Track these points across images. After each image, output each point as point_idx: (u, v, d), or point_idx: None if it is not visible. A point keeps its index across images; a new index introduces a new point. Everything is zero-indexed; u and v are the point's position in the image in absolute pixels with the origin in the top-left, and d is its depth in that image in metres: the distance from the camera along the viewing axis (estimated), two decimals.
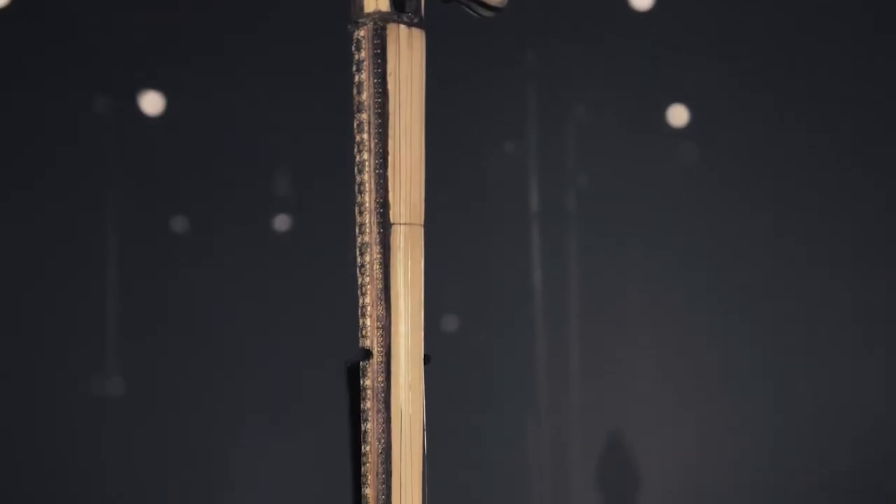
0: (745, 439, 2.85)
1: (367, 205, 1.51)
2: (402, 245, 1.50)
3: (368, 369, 1.51)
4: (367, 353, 1.51)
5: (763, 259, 2.89)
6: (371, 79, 1.50)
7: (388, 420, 1.50)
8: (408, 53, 1.51)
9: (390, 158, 1.50)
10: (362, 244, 1.51)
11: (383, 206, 1.50)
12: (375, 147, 1.50)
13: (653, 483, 2.81)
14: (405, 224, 1.51)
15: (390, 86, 1.50)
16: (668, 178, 2.90)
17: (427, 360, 1.52)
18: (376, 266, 1.51)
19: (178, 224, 2.75)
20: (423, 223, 1.52)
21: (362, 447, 1.51)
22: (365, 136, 1.51)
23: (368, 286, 1.51)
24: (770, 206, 2.89)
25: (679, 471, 2.84)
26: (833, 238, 2.88)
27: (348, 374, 1.53)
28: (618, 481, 2.80)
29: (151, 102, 2.75)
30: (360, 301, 1.52)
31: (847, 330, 2.88)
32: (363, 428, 1.51)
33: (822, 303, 2.88)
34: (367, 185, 1.51)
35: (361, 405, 1.51)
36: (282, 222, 2.80)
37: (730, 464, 2.84)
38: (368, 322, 1.52)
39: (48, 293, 2.65)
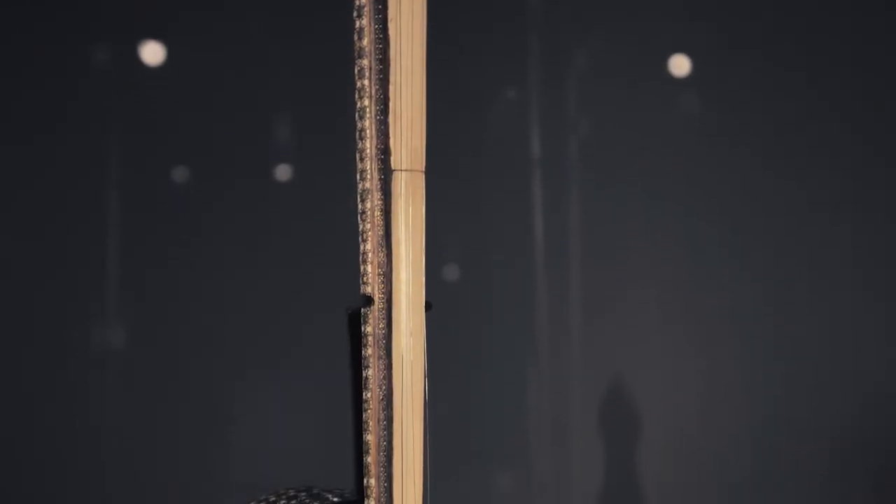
0: (747, 385, 2.85)
1: (368, 151, 1.51)
2: (403, 192, 1.50)
3: (369, 316, 1.51)
4: (369, 300, 1.51)
5: (765, 205, 2.88)
6: (372, 24, 1.49)
7: (389, 367, 1.50)
8: None
9: (391, 105, 1.49)
10: (363, 191, 1.51)
11: (384, 152, 1.50)
12: (376, 93, 1.50)
13: (654, 427, 2.82)
14: (406, 171, 1.51)
15: (391, 32, 1.49)
16: (670, 126, 2.89)
17: (428, 306, 1.52)
18: (377, 213, 1.51)
19: (179, 174, 2.75)
20: (423, 170, 1.52)
21: (363, 394, 1.51)
22: (366, 82, 1.50)
23: (369, 233, 1.51)
24: (772, 152, 2.89)
25: (681, 416, 2.85)
26: (836, 182, 2.87)
27: (349, 321, 1.53)
28: (619, 426, 2.81)
29: (151, 52, 2.74)
30: (361, 248, 1.52)
31: (851, 274, 2.88)
32: (364, 375, 1.51)
33: (825, 247, 2.88)
34: (367, 131, 1.50)
35: (362, 352, 1.52)
36: (283, 172, 2.79)
37: (732, 409, 2.85)
38: (369, 269, 1.52)
39: (48, 245, 2.65)
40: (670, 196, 2.88)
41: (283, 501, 1.56)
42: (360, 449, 1.52)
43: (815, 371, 2.85)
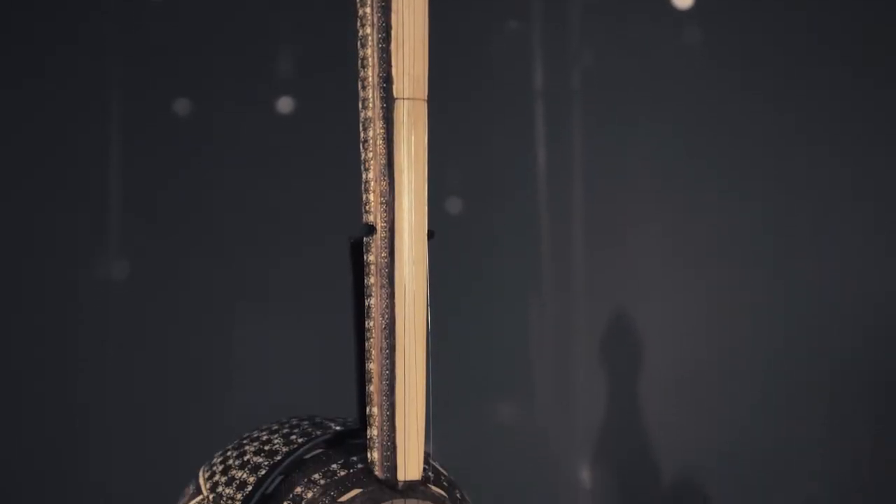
0: (749, 317, 2.86)
1: (370, 80, 1.50)
2: (405, 120, 1.50)
3: (372, 245, 1.51)
4: (371, 229, 1.51)
5: (767, 136, 2.88)
6: None
7: (391, 296, 1.50)
8: None
9: (393, 33, 1.49)
10: (365, 119, 1.51)
11: (386, 80, 1.50)
12: (378, 21, 1.49)
13: (656, 360, 2.82)
14: (408, 99, 1.50)
15: None
16: (673, 58, 2.88)
17: (431, 235, 1.52)
18: (379, 141, 1.50)
19: (181, 107, 2.74)
20: (426, 98, 1.51)
21: (366, 323, 1.52)
22: (367, 10, 1.49)
23: (371, 161, 1.51)
24: (774, 84, 2.87)
25: (683, 349, 2.85)
26: (839, 112, 2.86)
27: (352, 250, 1.53)
28: (620, 358, 2.82)
29: None
30: (364, 177, 1.51)
31: (852, 205, 2.88)
32: (367, 304, 1.51)
33: (827, 177, 2.87)
34: (369, 59, 1.49)
35: (365, 281, 1.52)
36: (285, 104, 2.79)
37: (733, 341, 2.85)
38: (372, 198, 1.51)
39: (49, 177, 2.65)
40: (672, 128, 2.87)
41: (285, 430, 1.57)
42: (362, 378, 1.52)
43: (817, 302, 2.85)
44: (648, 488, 2.82)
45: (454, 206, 2.82)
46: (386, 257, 1.51)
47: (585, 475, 2.83)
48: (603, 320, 2.82)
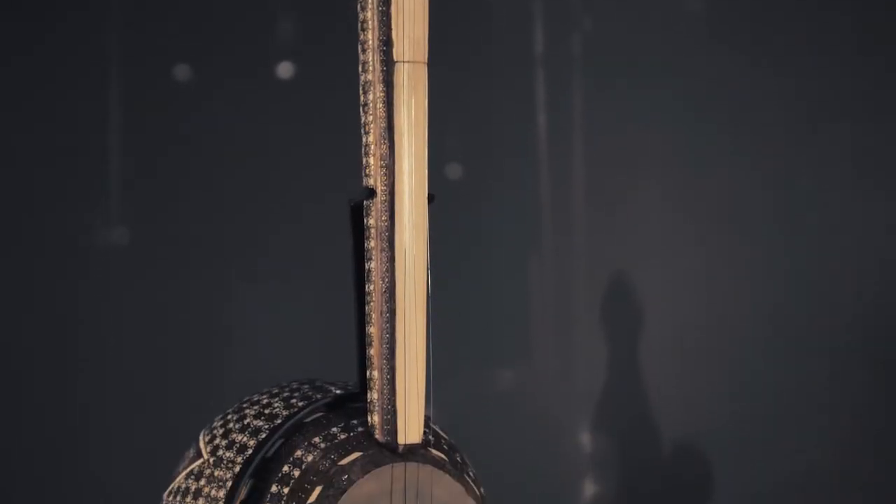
0: (751, 284, 2.86)
1: (370, 43, 1.50)
2: (405, 83, 1.49)
3: (372, 208, 1.51)
4: (371, 192, 1.50)
5: (768, 102, 2.87)
6: None
7: (391, 259, 1.50)
8: None
9: None
10: (365, 82, 1.50)
11: (386, 43, 1.49)
12: None
13: (656, 325, 2.82)
14: (408, 62, 1.49)
15: None
16: (675, 23, 2.87)
17: (431, 198, 1.52)
18: (379, 104, 1.50)
19: (181, 72, 2.73)
20: (426, 61, 1.51)
21: (366, 286, 1.52)
22: None
23: (372, 125, 1.50)
24: (775, 50, 2.87)
25: (683, 312, 2.85)
26: (845, 81, 2.86)
27: (352, 214, 1.53)
28: (621, 322, 2.82)
29: None
30: (364, 140, 1.51)
31: (852, 172, 2.87)
32: (367, 267, 1.51)
33: (828, 143, 2.87)
34: (369, 22, 1.49)
35: (365, 244, 1.52)
36: (285, 69, 2.78)
37: (734, 305, 2.85)
38: (372, 161, 1.51)
39: (49, 143, 2.64)
40: (673, 93, 2.86)
41: (285, 393, 1.57)
42: (362, 341, 1.52)
43: (818, 267, 2.85)
44: (648, 453, 2.82)
45: (454, 171, 2.81)
46: (386, 221, 1.50)
47: (585, 439, 2.83)
48: (603, 285, 2.82)
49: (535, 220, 2.87)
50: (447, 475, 1.50)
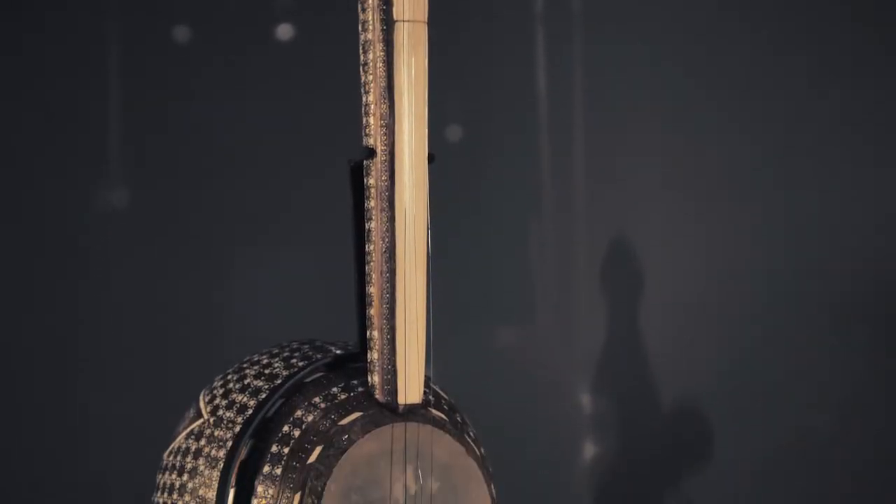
0: (751, 246, 2.85)
1: (370, 2, 1.49)
2: (405, 42, 1.49)
3: (372, 168, 1.50)
4: (371, 152, 1.50)
5: (771, 66, 2.86)
6: None
7: (392, 219, 1.50)
8: None
9: None
10: (365, 42, 1.50)
11: (386, 2, 1.49)
12: None
13: (657, 287, 2.82)
14: (409, 21, 1.49)
15: None
16: None
17: (431, 158, 1.51)
18: (379, 64, 1.50)
19: (180, 34, 2.72)
20: (426, 20, 1.50)
21: (366, 246, 1.51)
22: None
23: (371, 84, 1.50)
24: (776, 16, 2.86)
25: (683, 276, 2.85)
26: (844, 45, 2.85)
27: (352, 174, 1.52)
28: (621, 285, 2.82)
29: None
30: (364, 100, 1.51)
31: (851, 137, 2.87)
32: (367, 227, 1.51)
33: (830, 108, 2.86)
34: None
35: (365, 204, 1.51)
36: (284, 31, 2.77)
37: (734, 271, 2.85)
38: (372, 121, 1.51)
39: (49, 106, 2.64)
40: (674, 53, 2.86)
41: (285, 354, 1.57)
42: (362, 302, 1.52)
43: (818, 229, 2.85)
44: (648, 414, 2.82)
45: (454, 133, 2.81)
46: (386, 181, 1.50)
47: (585, 401, 2.84)
48: (603, 246, 2.81)
49: (535, 183, 2.86)
50: (447, 435, 1.51)
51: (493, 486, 1.54)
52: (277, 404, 1.51)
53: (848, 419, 2.85)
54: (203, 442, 1.51)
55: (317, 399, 1.51)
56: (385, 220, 1.50)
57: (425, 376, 1.52)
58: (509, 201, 2.84)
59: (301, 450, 1.46)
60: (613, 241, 2.82)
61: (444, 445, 1.50)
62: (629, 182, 2.86)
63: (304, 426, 1.48)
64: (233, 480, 1.47)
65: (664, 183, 2.86)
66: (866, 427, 2.86)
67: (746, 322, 2.86)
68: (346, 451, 1.45)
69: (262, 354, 1.59)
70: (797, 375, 2.85)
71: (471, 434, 1.60)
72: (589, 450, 2.84)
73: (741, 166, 2.86)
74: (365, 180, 1.51)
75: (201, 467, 1.49)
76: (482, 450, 1.59)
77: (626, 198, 2.86)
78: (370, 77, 1.50)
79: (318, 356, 1.56)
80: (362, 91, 1.50)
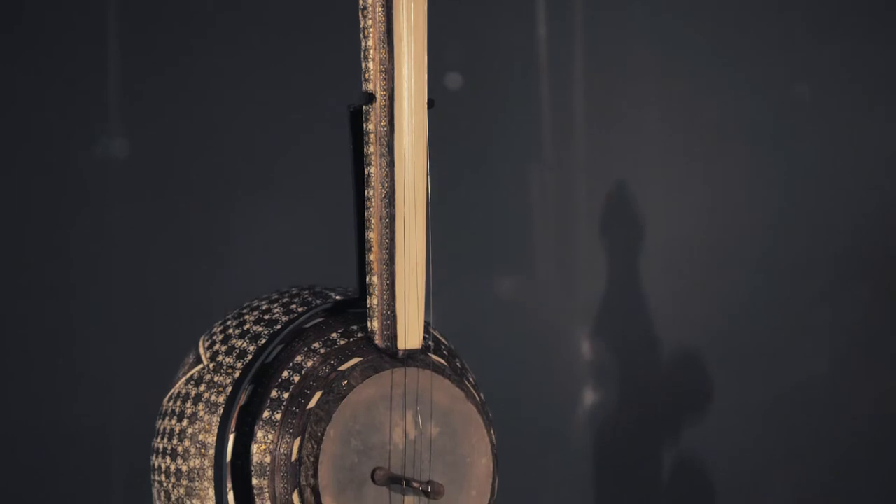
0: (750, 197, 2.85)
1: None
2: None
3: (371, 113, 1.50)
4: (370, 97, 1.50)
5: (774, 19, 2.85)
6: None
7: (391, 164, 1.50)
8: None
9: None
10: None
11: None
12: None
13: (656, 237, 2.82)
14: None
15: None
16: None
17: (431, 104, 1.51)
18: (378, 8, 1.49)
19: None
20: None
21: (365, 192, 1.51)
22: None
23: (370, 29, 1.49)
24: None
25: (683, 226, 2.85)
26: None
27: (351, 119, 1.52)
28: (621, 234, 2.82)
29: None
30: (363, 44, 1.50)
31: (851, 88, 2.86)
32: (366, 173, 1.51)
33: (831, 62, 2.85)
34: None
35: (364, 150, 1.51)
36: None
37: (734, 222, 2.85)
38: (371, 66, 1.50)
39: (47, 53, 2.63)
40: (673, 3, 2.85)
41: (285, 299, 1.57)
42: (362, 247, 1.52)
43: (817, 180, 2.85)
44: (648, 363, 2.83)
45: (454, 81, 2.80)
46: (385, 126, 1.50)
47: (585, 348, 2.84)
48: (603, 194, 2.81)
49: (535, 131, 2.86)
50: (447, 380, 1.51)
51: (492, 432, 1.55)
52: (277, 350, 1.51)
53: (848, 367, 2.86)
54: (203, 387, 1.51)
55: (316, 345, 1.51)
56: (384, 165, 1.50)
57: (425, 322, 1.53)
58: (509, 150, 2.84)
59: (301, 395, 1.47)
60: (613, 188, 2.81)
61: (443, 390, 1.51)
62: (630, 131, 2.86)
63: (303, 372, 1.48)
64: (232, 426, 1.47)
65: (665, 130, 2.85)
66: (867, 373, 2.86)
67: (747, 271, 2.86)
68: (345, 396, 1.45)
69: (261, 300, 1.59)
70: (798, 323, 2.86)
71: (470, 380, 1.60)
72: (589, 397, 2.85)
73: (743, 118, 2.86)
74: (364, 125, 1.51)
75: (201, 413, 1.49)
76: (482, 395, 1.60)
77: (627, 147, 2.85)
78: (369, 22, 1.49)
79: (318, 302, 1.56)
80: (361, 36, 1.50)
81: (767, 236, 2.85)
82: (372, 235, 1.51)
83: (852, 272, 2.85)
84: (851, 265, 2.85)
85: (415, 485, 1.46)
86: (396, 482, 1.47)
